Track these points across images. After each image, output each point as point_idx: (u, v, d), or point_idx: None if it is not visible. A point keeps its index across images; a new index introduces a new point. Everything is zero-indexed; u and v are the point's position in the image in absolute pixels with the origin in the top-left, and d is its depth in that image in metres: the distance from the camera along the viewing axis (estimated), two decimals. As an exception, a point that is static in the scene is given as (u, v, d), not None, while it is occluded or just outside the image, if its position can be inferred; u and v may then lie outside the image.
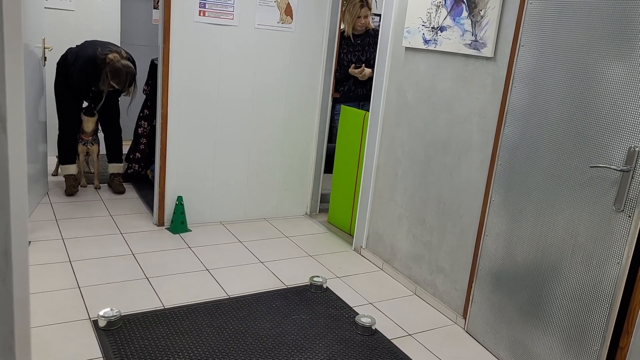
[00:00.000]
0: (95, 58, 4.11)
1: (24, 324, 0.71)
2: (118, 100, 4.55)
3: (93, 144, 4.47)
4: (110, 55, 4.09)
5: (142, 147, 4.77)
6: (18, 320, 0.70)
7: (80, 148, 4.42)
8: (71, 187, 4.41)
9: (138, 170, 4.84)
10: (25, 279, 0.71)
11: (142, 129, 4.73)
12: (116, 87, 4.14)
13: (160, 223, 3.93)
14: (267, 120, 4.12)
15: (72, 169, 4.46)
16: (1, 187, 0.66)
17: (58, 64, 4.29)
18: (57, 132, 4.42)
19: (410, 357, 2.62)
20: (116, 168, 4.65)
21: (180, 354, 2.46)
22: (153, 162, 4.59)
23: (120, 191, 4.55)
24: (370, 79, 3.89)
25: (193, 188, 3.98)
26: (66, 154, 4.43)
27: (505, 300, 2.66)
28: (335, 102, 4.39)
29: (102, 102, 4.30)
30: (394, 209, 3.48)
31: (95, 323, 2.62)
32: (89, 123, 4.37)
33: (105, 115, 4.49)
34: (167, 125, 3.77)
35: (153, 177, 4.64)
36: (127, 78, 4.10)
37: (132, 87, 4.23)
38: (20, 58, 0.67)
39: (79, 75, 4.17)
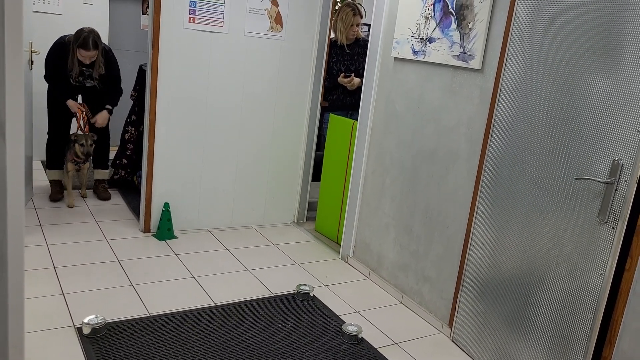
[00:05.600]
0: (61, 44, 4.11)
1: (18, 330, 0.71)
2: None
3: (85, 163, 4.35)
4: (73, 36, 4.07)
5: (128, 152, 4.74)
6: (12, 327, 0.70)
7: (70, 166, 4.26)
8: (56, 193, 4.37)
9: (124, 176, 4.81)
10: (20, 285, 0.70)
11: (129, 134, 4.71)
12: (86, 54, 3.99)
13: (147, 230, 3.91)
14: (255, 127, 4.13)
15: (58, 174, 4.42)
16: (-2, 193, 0.66)
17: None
18: (47, 138, 4.40)
19: (397, 366, 2.63)
20: (102, 174, 4.61)
21: (166, 362, 2.44)
22: (140, 168, 4.56)
23: (105, 198, 4.51)
24: (359, 88, 3.91)
25: (180, 195, 3.97)
26: (53, 160, 4.40)
27: (490, 309, 2.69)
28: (324, 110, 4.41)
29: (79, 78, 4.17)
30: (381, 218, 3.50)
31: (79, 330, 2.59)
32: (81, 153, 4.24)
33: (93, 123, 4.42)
34: (155, 131, 3.76)
35: (139, 183, 4.61)
36: (91, 39, 3.97)
37: (100, 52, 4.10)
38: (20, 66, 0.67)
39: (53, 64, 4.13)
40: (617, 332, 2.13)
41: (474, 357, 2.78)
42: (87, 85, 4.24)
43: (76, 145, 4.17)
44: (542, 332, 2.40)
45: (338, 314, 3.06)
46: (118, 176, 4.80)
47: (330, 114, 4.21)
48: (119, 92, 4.41)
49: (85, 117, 4.24)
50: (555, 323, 2.34)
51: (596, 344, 2.20)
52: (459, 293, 2.88)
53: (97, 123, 4.27)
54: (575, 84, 2.24)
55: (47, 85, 4.30)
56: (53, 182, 4.42)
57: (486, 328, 2.71)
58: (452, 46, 2.86)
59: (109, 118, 4.37)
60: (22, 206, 0.70)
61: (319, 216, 4.34)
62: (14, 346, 0.72)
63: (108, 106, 4.31)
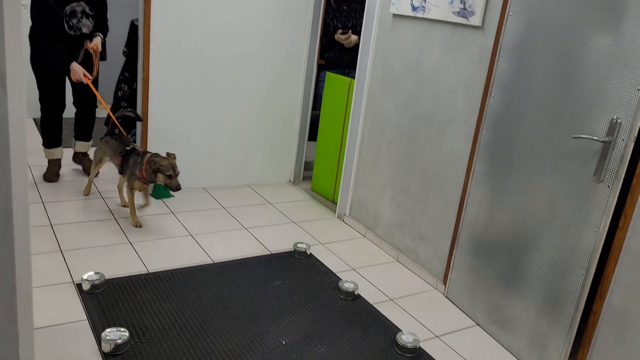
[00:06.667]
0: None
1: (25, 284, 0.72)
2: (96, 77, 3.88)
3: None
4: None
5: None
6: (20, 280, 0.70)
7: (137, 184, 3.31)
8: (52, 174, 3.89)
9: (118, 134, 4.77)
10: (26, 239, 0.71)
11: (122, 92, 4.64)
12: None
13: (143, 188, 3.91)
14: (251, 85, 4.08)
15: (55, 153, 3.92)
16: (1, 145, 0.66)
17: (29, 36, 3.67)
18: (40, 115, 3.85)
19: (392, 321, 2.69)
20: (84, 147, 4.10)
21: (165, 317, 2.48)
22: (134, 126, 4.52)
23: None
24: (357, 46, 3.86)
25: (176, 153, 3.94)
26: (52, 137, 3.88)
27: (484, 267, 2.73)
28: (320, 68, 4.35)
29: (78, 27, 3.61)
30: (378, 178, 3.51)
31: (79, 286, 2.62)
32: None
33: (81, 89, 3.79)
34: (149, 89, 3.70)
35: (134, 142, 4.58)
36: None
37: None
38: (18, 16, 0.66)
39: (41, 9, 3.51)
40: (607, 288, 2.18)
41: (467, 312, 2.85)
42: (84, 31, 3.65)
43: (159, 175, 3.19)
44: (534, 289, 2.45)
45: (334, 272, 3.10)
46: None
47: (327, 72, 4.16)
48: (106, 23, 3.87)
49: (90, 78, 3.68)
50: (548, 279, 2.39)
51: (587, 299, 2.26)
52: (454, 251, 2.92)
53: (94, 45, 3.67)
54: (576, 41, 2.21)
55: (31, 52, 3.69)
56: (53, 162, 3.92)
57: (480, 285, 2.76)
58: (452, 2, 2.81)
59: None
60: (25, 159, 0.70)
61: (315, 175, 4.35)
62: (22, 299, 0.73)
63: (99, 34, 3.75)
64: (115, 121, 3.56)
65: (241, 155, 4.22)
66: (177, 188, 3.19)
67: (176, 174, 3.22)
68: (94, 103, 3.96)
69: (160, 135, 3.84)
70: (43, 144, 3.92)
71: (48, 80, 3.73)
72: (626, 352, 2.14)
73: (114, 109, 4.70)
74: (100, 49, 3.72)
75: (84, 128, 4.06)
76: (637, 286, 2.09)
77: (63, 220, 3.31)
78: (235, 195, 4.06)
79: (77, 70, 3.57)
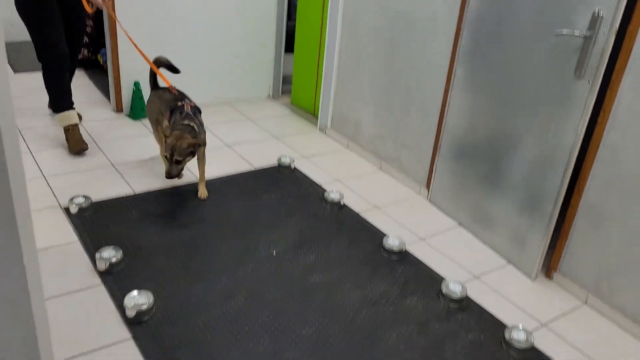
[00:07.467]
0: None
1: (23, 205, 0.71)
2: (85, 24, 3.50)
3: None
4: None
5: (89, 30, 4.48)
6: (18, 205, 0.70)
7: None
8: (79, 142, 3.18)
9: (88, 55, 4.59)
10: (18, 166, 0.69)
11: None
12: None
13: (119, 109, 3.82)
14: (222, -3, 3.90)
15: (72, 116, 3.22)
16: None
17: None
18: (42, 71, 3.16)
19: (377, 227, 2.77)
20: None
21: (156, 236, 2.52)
22: (103, 45, 4.34)
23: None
24: (330, -52, 3.66)
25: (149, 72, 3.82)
26: (59, 97, 3.20)
27: (466, 170, 2.79)
28: (293, -25, 4.16)
29: None
30: (358, 89, 3.47)
31: (67, 210, 2.63)
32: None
33: (68, 34, 3.19)
34: (115, 6, 3.52)
35: (105, 62, 4.42)
36: None
37: None
38: None
39: None
40: (585, 182, 2.26)
41: (451, 214, 2.94)
42: None
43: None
44: (515, 187, 2.53)
45: (319, 184, 3.15)
46: (81, 56, 4.57)
47: (301, -21, 3.98)
48: None
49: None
50: (528, 178, 2.46)
51: (565, 195, 2.34)
52: (436, 157, 2.97)
53: None
54: None
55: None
56: (71, 129, 3.21)
57: (462, 188, 2.84)
58: None
59: None
60: (7, 82, 0.66)
61: (294, 89, 4.29)
62: (22, 224, 0.73)
63: None
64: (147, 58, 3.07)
65: (217, 72, 4.11)
66: (166, 174, 2.63)
67: (173, 160, 2.59)
68: (77, 52, 3.44)
69: (130, 56, 3.70)
70: (53, 110, 3.31)
71: (43, 21, 3.05)
72: (600, 243, 2.26)
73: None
74: None
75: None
76: (613, 180, 2.17)
77: (42, 147, 3.25)
78: (214, 113, 4.00)
79: None
